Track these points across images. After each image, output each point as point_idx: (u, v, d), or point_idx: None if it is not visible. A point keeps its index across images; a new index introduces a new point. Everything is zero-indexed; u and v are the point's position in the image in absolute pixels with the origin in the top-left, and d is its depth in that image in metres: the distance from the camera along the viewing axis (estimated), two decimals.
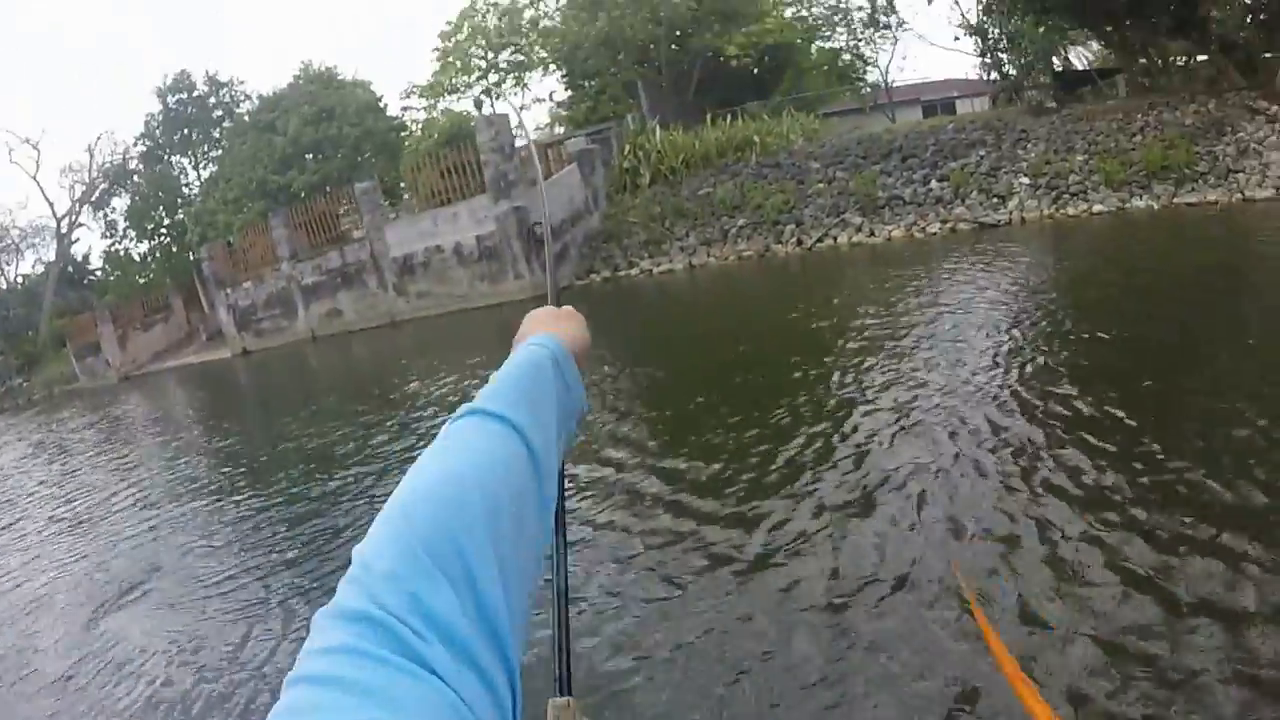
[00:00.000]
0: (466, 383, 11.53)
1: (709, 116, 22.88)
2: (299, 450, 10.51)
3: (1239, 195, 14.75)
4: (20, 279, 55.47)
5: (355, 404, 12.75)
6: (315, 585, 5.83)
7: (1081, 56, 23.19)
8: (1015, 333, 8.27)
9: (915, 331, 8.79)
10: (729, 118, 23.17)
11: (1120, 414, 5.41)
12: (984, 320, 8.90)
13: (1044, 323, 8.70)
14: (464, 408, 0.73)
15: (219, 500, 9.34)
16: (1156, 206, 15.18)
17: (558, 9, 26.44)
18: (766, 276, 16.39)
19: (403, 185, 24.09)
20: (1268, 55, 18.69)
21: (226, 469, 11.06)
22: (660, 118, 23.33)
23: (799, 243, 17.99)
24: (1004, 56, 21.82)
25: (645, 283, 18.50)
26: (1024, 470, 4.87)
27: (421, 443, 7.35)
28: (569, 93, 28.42)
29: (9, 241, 54.05)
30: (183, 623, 5.93)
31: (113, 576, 7.60)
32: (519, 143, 19.62)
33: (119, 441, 18.49)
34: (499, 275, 20.04)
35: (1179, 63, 21.23)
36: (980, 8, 22.57)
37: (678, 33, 25.31)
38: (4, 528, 11.92)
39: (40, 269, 54.09)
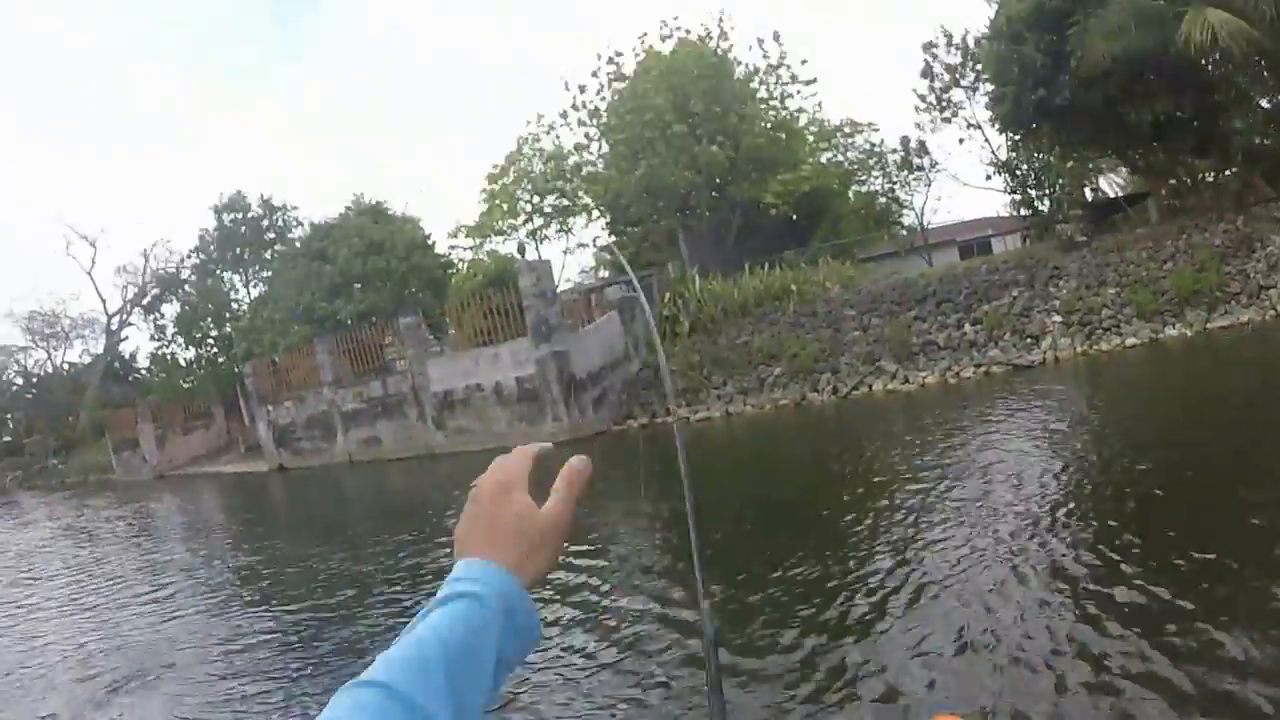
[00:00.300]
0: None
1: (747, 265, 23.39)
2: (326, 571, 10.73)
3: (1272, 312, 14.85)
4: (67, 365, 57.17)
5: (386, 532, 12.95)
6: (311, 696, 6.10)
7: (1112, 183, 23.62)
8: (1050, 474, 8.30)
9: (953, 478, 8.79)
10: (767, 266, 23.67)
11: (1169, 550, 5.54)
12: (1019, 464, 8.89)
13: (1075, 461, 8.83)
14: (361, 679, 0.65)
15: (237, 607, 9.66)
16: (1190, 334, 15.29)
17: (600, 156, 27.45)
18: (802, 426, 16.46)
19: (447, 321, 24.74)
20: None
21: (249, 580, 11.34)
22: (700, 266, 23.86)
23: (835, 391, 18.06)
24: (1034, 192, 22.22)
25: (682, 430, 18.74)
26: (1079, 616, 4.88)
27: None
28: (613, 238, 29.36)
29: (59, 329, 55.89)
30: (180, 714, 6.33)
31: (120, 665, 8.00)
32: (561, 288, 20.39)
33: (147, 537, 19.09)
34: (537, 417, 20.37)
35: (1208, 179, 21.56)
36: (1009, 145, 23.24)
37: (717, 180, 26.15)
38: (22, 605, 12.46)
39: (87, 359, 55.80)
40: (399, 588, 9.03)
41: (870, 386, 17.76)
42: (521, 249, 23.16)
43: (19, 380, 59.36)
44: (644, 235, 26.88)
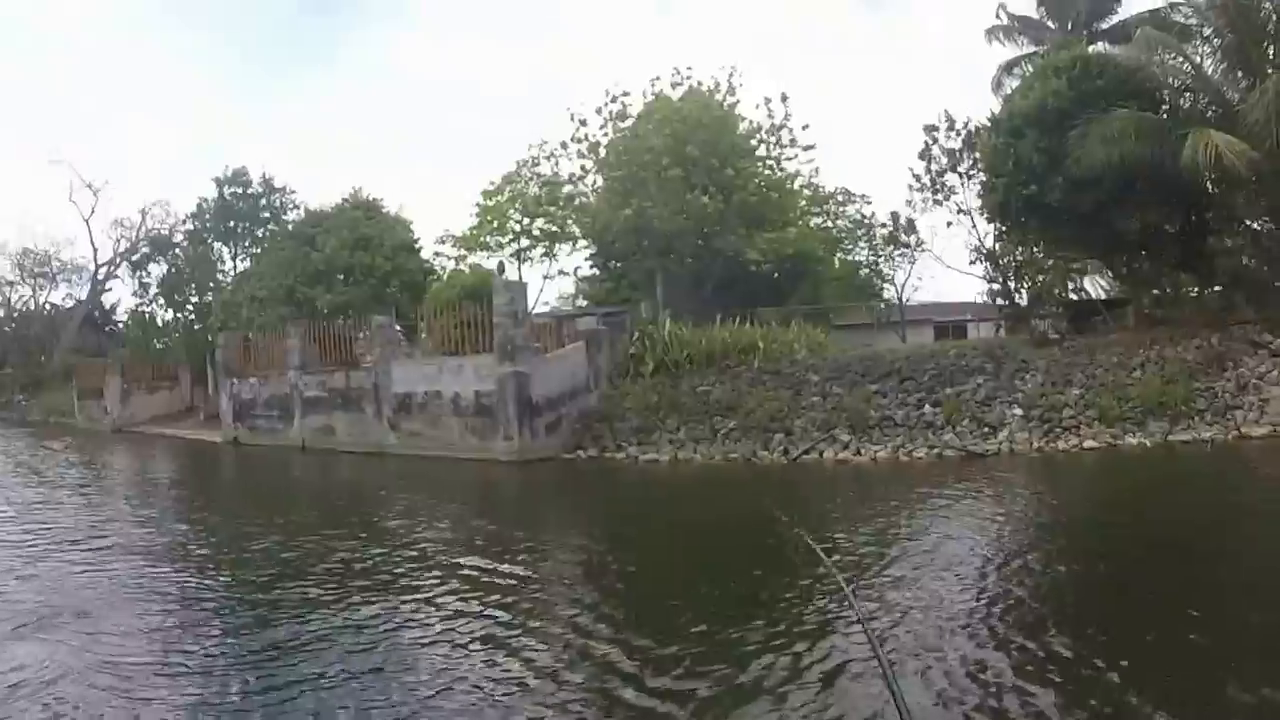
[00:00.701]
0: (434, 535, 11.88)
1: (719, 316, 23.72)
2: (255, 550, 10.95)
3: (1235, 432, 15.11)
4: (49, 306, 57.39)
5: (324, 524, 13.08)
6: (209, 671, 6.34)
7: (1096, 285, 24.01)
8: (990, 564, 8.64)
9: (891, 556, 9.05)
10: (740, 319, 24.03)
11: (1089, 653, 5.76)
12: (957, 551, 9.19)
13: (1011, 554, 9.15)
14: None
15: (165, 568, 9.92)
16: (1149, 444, 15.47)
17: (594, 190, 27.90)
18: (748, 482, 16.53)
19: (421, 326, 25.03)
20: (1278, 284, 19.30)
21: (181, 544, 11.61)
22: (674, 310, 24.18)
23: (785, 452, 18.02)
24: (1013, 284, 22.59)
25: (629, 467, 18.78)
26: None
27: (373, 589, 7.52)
28: (594, 270, 29.70)
29: (48, 270, 56.33)
30: (84, 664, 6.58)
31: (32, 606, 8.33)
32: (538, 310, 20.65)
33: (94, 487, 19.36)
34: (489, 433, 20.60)
35: (1191, 293, 21.60)
36: (995, 235, 23.67)
37: (705, 230, 26.60)
38: None
39: (70, 303, 56.03)
40: (319, 578, 9.19)
41: (821, 453, 17.75)
42: (501, 268, 23.41)
43: (0, 312, 59.47)
44: (624, 272, 27.31)
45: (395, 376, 23.19)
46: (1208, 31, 19.41)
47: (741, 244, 26.07)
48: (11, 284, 58.01)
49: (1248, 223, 20.58)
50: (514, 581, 8.78)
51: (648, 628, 7.02)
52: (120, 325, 52.14)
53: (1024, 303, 22.58)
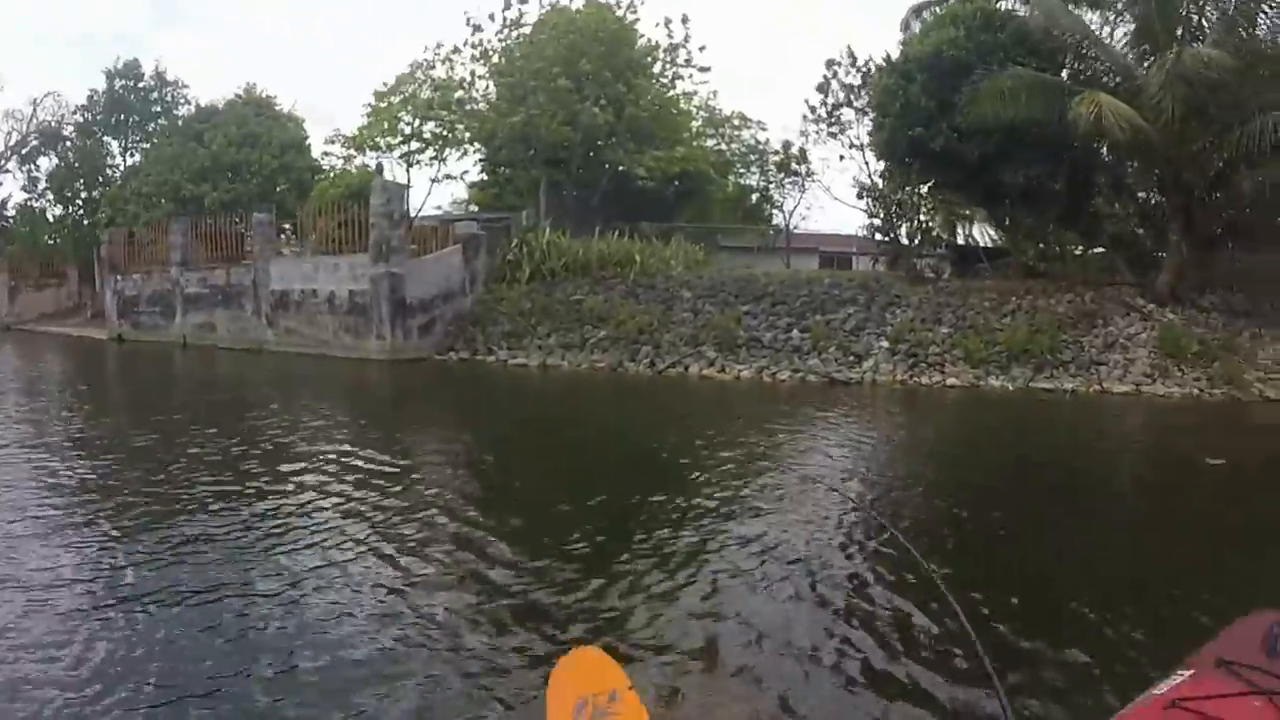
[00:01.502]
0: (312, 428, 12.04)
1: (598, 229, 24.10)
2: (129, 445, 10.88)
3: (1097, 386, 15.64)
4: None
5: (201, 421, 12.97)
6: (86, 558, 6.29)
7: (986, 233, 24.80)
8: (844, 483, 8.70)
9: (748, 468, 9.13)
10: (621, 233, 24.48)
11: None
12: (807, 466, 9.54)
13: (865, 476, 9.39)
14: None
15: (39, 459, 9.89)
16: (1010, 387, 15.88)
17: (485, 96, 27.82)
18: (615, 390, 17.01)
19: (298, 223, 24.96)
20: (1159, 254, 19.82)
21: (67, 436, 11.54)
22: (555, 220, 24.50)
23: (651, 364, 18.50)
24: (896, 221, 23.24)
25: (498, 371, 19.25)
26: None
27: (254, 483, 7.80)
28: (483, 176, 29.67)
29: None
30: None
31: None
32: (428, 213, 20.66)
33: None
34: (363, 331, 20.97)
35: (1075, 251, 22.56)
36: (881, 173, 24.25)
37: (598, 143, 26.81)
38: None
39: None
40: (189, 469, 9.17)
41: (687, 368, 18.21)
42: (380, 169, 23.43)
43: None
44: (510, 179, 27.43)
45: (273, 274, 23.29)
46: (1120, 5, 19.50)
47: (630, 160, 26.34)
48: None
49: (1139, 193, 21.29)
50: (386, 480, 8.73)
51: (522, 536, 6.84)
52: (9, 222, 50.25)
53: (905, 241, 23.25)
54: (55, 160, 43.44)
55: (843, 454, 10.50)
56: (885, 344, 17.78)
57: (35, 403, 15.83)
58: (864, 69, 25.01)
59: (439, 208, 32.82)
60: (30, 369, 22.29)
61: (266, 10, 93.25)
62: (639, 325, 19.90)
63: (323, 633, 4.78)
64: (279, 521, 7.10)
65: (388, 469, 9.13)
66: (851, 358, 17.62)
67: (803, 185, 31.18)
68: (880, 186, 23.81)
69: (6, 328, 36.81)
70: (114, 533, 6.87)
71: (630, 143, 26.52)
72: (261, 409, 14.21)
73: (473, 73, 27.74)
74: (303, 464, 9.43)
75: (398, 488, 8.26)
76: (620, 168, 26.89)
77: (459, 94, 26.65)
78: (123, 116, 39.91)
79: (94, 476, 9.27)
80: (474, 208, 30.17)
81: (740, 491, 8.15)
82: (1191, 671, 2.35)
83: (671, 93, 29.22)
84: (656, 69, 28.58)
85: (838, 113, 26.27)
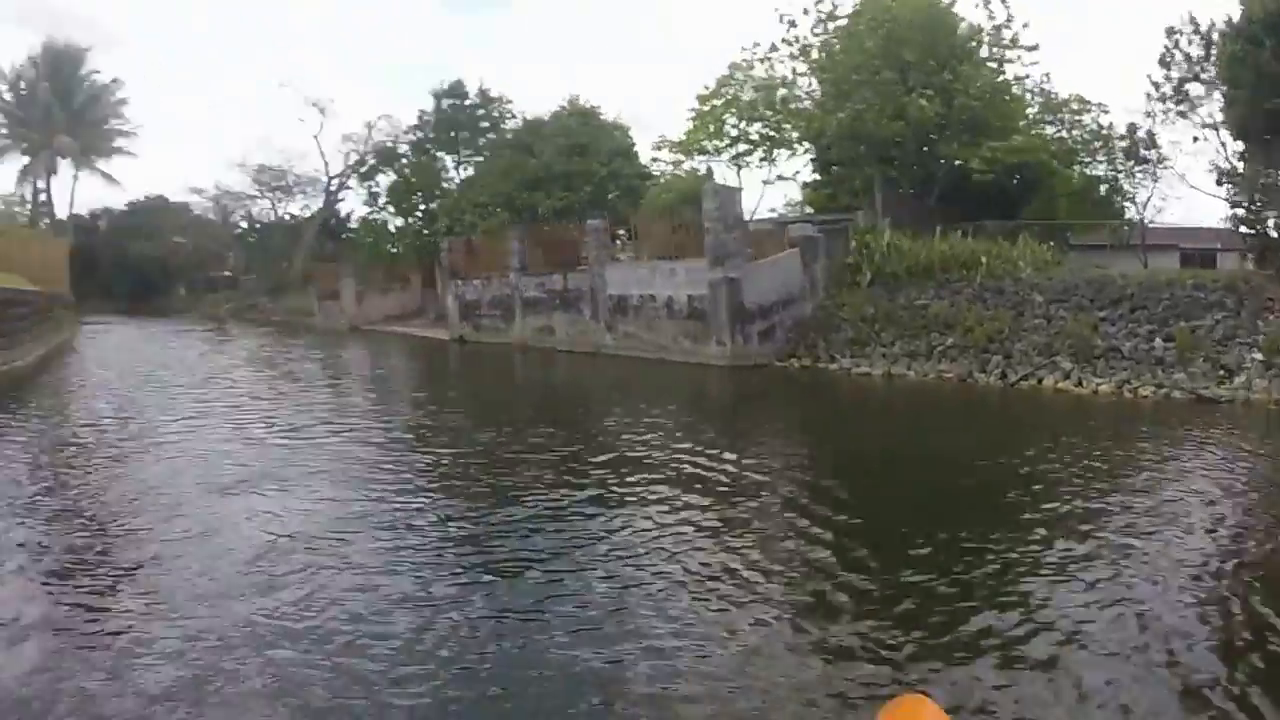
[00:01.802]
0: (656, 432, 12.20)
1: (939, 228, 22.79)
2: (488, 442, 11.63)
3: None
4: (288, 216, 63.42)
5: (543, 422, 13.83)
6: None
7: None
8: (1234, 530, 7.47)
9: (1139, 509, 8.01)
10: (963, 233, 23.04)
11: None
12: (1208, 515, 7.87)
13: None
14: None
15: (398, 453, 10.97)
16: None
17: (808, 94, 27.12)
18: (965, 404, 15.95)
19: (631, 230, 25.59)
20: None
21: (410, 431, 12.69)
22: (893, 219, 23.46)
23: (1003, 376, 17.19)
24: (1266, 212, 20.25)
25: (841, 379, 18.66)
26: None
27: (593, 487, 8.02)
28: (814, 175, 29.01)
29: (285, 183, 61.94)
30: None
31: (244, 471, 9.93)
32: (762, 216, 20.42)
33: (330, 379, 21.28)
34: (702, 337, 21.03)
35: None
36: (1240, 154, 21.16)
37: (931, 136, 25.45)
38: (201, 401, 15.59)
39: (307, 213, 61.47)
40: (537, 473, 9.58)
41: (1040, 380, 16.70)
42: (710, 173, 23.45)
43: (244, 224, 66.29)
44: (843, 179, 26.57)
45: (610, 279, 23.97)
46: None
47: (965, 153, 24.73)
48: (252, 198, 63.85)
49: None
50: (728, 490, 8.81)
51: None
52: (354, 233, 56.61)
53: (1275, 233, 20.09)
54: (393, 176, 48.06)
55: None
56: (1259, 356, 15.03)
57: (395, 398, 17.29)
58: (1207, 36, 21.90)
59: (773, 210, 32.73)
60: (380, 366, 24.62)
61: (579, 25, 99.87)
62: (988, 333, 18.46)
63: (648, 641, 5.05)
64: (620, 526, 7.36)
65: (730, 479, 9.10)
66: (1221, 372, 15.08)
67: (1154, 173, 27.93)
68: (1240, 170, 20.70)
69: (354, 328, 41.13)
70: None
71: (964, 134, 24.90)
72: (604, 411, 14.67)
73: (793, 70, 27.21)
74: (644, 469, 9.59)
75: (741, 500, 8.23)
76: (956, 161, 25.35)
77: (782, 93, 26.22)
78: (452, 133, 43.38)
79: (443, 465, 10.17)
80: (809, 209, 29.67)
81: (1111, 535, 7.14)
82: None
83: (1001, 78, 27.10)
84: (983, 53, 26.64)
85: (1184, 88, 23.22)
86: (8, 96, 56.29)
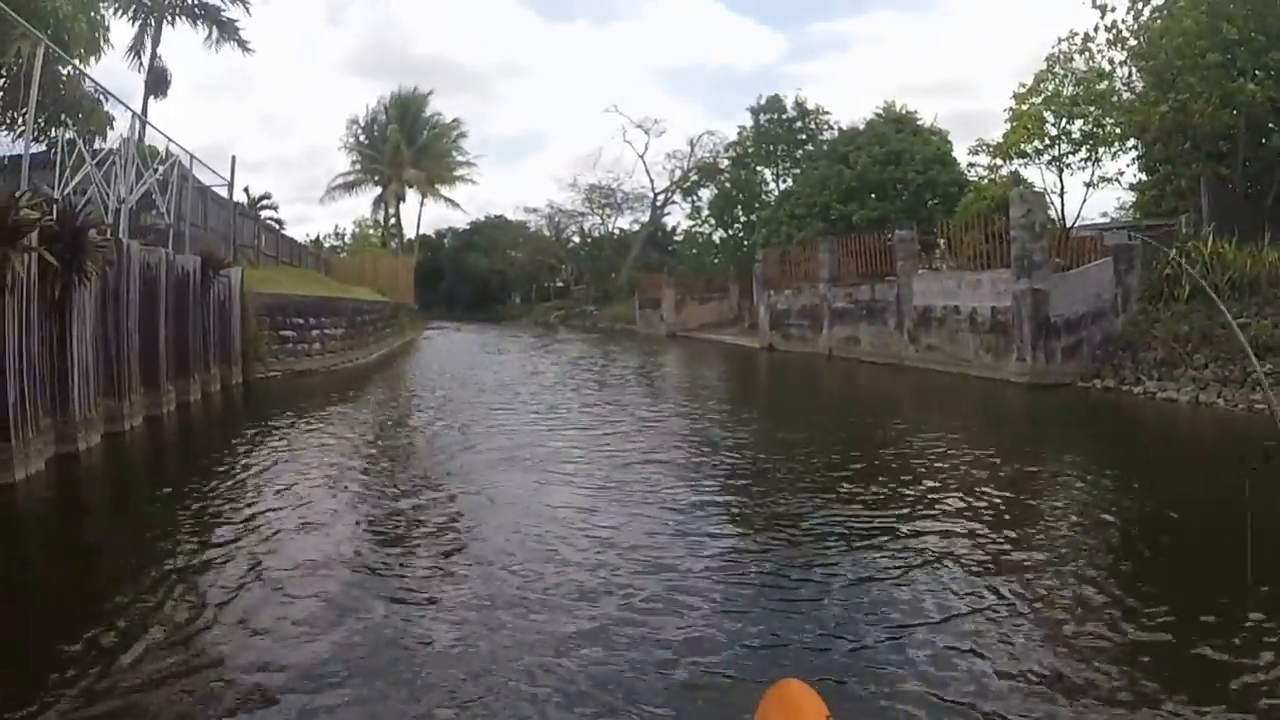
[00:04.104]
0: (953, 449, 11.58)
1: (1268, 234, 20.30)
2: (793, 458, 11.37)
3: None
4: (617, 231, 70.07)
5: (854, 428, 14.32)
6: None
7: None
8: None
9: None
10: None
11: None
12: None
13: None
14: None
15: (701, 462, 11.21)
16: None
17: (1127, 84, 25.36)
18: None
19: (946, 239, 25.59)
20: None
21: (724, 449, 12.30)
22: (1219, 224, 21.38)
23: None
24: None
25: (1143, 405, 16.98)
26: None
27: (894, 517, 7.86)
28: (1140, 175, 27.12)
29: (614, 201, 68.94)
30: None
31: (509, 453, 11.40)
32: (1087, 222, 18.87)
33: (646, 383, 23.26)
34: (1003, 351, 20.74)
35: None
36: None
37: (1270, 126, 23.02)
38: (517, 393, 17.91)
39: (635, 228, 67.33)
40: (853, 489, 9.27)
41: None
42: (1017, 178, 22.79)
43: (576, 239, 74.47)
44: (1168, 178, 24.57)
45: (916, 290, 24.43)
46: None
47: None
48: (583, 214, 71.71)
49: None
50: (1018, 522, 8.07)
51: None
52: (678, 245, 61.16)
53: None
54: (714, 190, 51.17)
55: None
56: None
57: (704, 403, 18.68)
58: None
59: (1104, 214, 31.28)
60: (694, 371, 26.54)
61: (894, 32, 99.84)
62: None
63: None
64: (906, 541, 7.24)
65: (1019, 511, 8.56)
66: None
67: None
68: None
69: (671, 334, 44.66)
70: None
71: None
72: (907, 423, 14.72)
73: (1111, 60, 25.55)
74: (936, 485, 9.34)
75: (1031, 535, 7.60)
76: None
77: (1103, 85, 24.88)
78: (771, 147, 45.35)
79: (746, 465, 10.93)
80: (1136, 213, 27.86)
81: None
82: None
83: None
84: None
85: None
86: (363, 138, 65.43)
